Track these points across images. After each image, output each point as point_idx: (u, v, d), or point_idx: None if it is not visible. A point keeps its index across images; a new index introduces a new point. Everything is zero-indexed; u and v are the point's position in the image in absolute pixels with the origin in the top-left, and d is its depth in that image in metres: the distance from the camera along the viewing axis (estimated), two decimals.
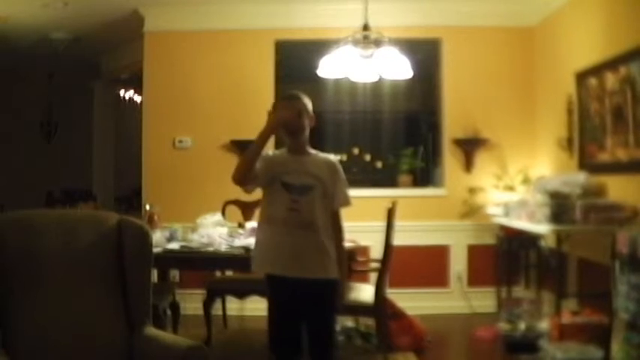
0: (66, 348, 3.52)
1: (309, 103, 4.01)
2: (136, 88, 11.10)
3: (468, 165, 7.96)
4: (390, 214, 5.47)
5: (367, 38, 6.13)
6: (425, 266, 7.93)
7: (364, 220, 7.23)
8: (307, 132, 4.00)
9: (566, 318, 5.72)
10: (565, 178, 6.37)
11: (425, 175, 8.92)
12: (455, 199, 7.90)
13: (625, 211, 5.55)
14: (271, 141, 4.93)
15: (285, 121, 3.91)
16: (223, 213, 6.71)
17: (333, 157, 4.11)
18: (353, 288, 5.80)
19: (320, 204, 3.91)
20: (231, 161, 7.78)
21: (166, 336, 3.98)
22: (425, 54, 8.20)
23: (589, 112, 6.46)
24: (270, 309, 4.06)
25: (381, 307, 5.54)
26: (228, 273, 6.81)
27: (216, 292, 6.42)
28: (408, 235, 7.23)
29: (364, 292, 5.69)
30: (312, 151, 4.04)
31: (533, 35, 7.97)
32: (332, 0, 7.74)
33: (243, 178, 3.90)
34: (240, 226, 6.43)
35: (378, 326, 5.76)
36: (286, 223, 3.85)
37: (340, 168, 4.05)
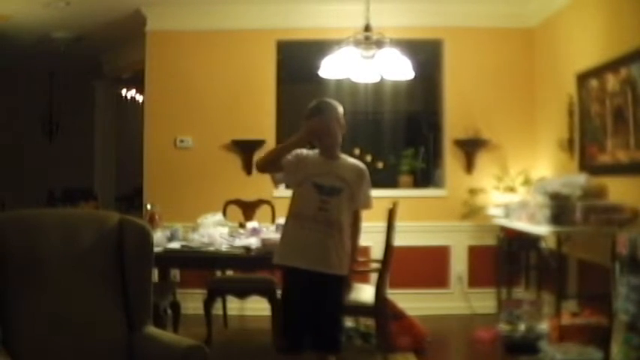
0: (66, 347, 3.53)
1: (340, 111, 4.29)
2: (138, 88, 11.12)
3: (469, 166, 7.97)
4: (391, 215, 5.47)
5: (369, 39, 6.13)
6: (425, 267, 7.93)
7: (365, 220, 7.20)
8: (339, 139, 4.28)
9: (566, 319, 5.73)
10: (565, 179, 6.37)
11: (426, 176, 8.92)
12: (455, 200, 7.90)
13: (625, 213, 5.56)
14: None
15: (316, 135, 4.21)
16: (224, 213, 6.72)
17: (362, 164, 4.40)
18: (354, 288, 5.81)
19: (346, 206, 4.22)
20: (233, 161, 7.85)
21: (167, 335, 3.98)
22: (426, 55, 8.20)
23: (590, 114, 6.46)
24: (286, 299, 4.33)
25: (381, 307, 5.54)
26: (229, 273, 6.82)
27: (216, 291, 6.43)
28: (409, 235, 7.24)
29: (365, 293, 5.69)
30: (343, 156, 4.32)
31: (534, 36, 7.98)
32: (333, 0, 7.75)
33: (267, 166, 4.31)
34: (241, 225, 6.44)
35: (378, 327, 5.76)
36: (316, 221, 4.11)
37: (367, 174, 4.36)
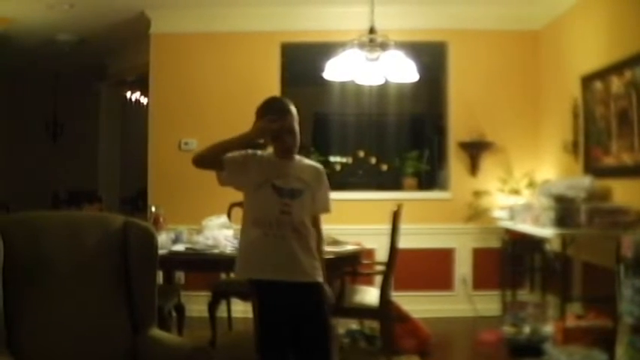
0: (71, 349, 3.54)
1: (294, 108, 4.02)
2: (142, 90, 11.11)
3: (474, 168, 7.96)
4: (395, 217, 5.47)
5: (373, 41, 6.13)
6: (430, 269, 7.92)
7: (369, 222, 7.26)
8: (299, 140, 4.00)
9: (571, 322, 5.72)
10: (570, 181, 6.37)
11: (430, 178, 8.92)
12: (460, 203, 7.89)
13: (630, 215, 5.55)
14: None
15: (274, 134, 3.95)
16: (229, 215, 6.71)
17: (319, 165, 4.12)
18: (357, 291, 5.81)
19: (308, 208, 3.91)
20: None
21: (171, 337, 3.99)
22: (431, 57, 8.20)
23: (594, 116, 6.46)
24: (259, 315, 3.91)
25: (385, 309, 5.54)
26: (233, 275, 6.81)
27: (221, 294, 6.43)
28: (413, 238, 7.23)
29: (369, 295, 5.69)
30: (297, 157, 4.02)
31: (539, 39, 7.97)
32: (338, 3, 7.75)
33: (204, 162, 3.98)
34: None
35: (382, 329, 5.74)
36: (279, 226, 3.80)
37: (325, 174, 4.06)
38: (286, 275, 3.82)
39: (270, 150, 4.05)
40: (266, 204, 3.84)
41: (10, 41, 9.06)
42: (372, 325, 6.32)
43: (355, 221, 7.22)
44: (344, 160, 10.28)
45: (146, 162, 8.23)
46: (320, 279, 3.92)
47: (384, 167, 9.28)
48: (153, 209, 6.37)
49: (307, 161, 4.08)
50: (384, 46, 6.14)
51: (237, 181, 3.96)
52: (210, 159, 3.95)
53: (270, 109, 4.00)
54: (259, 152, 4.03)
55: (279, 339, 3.86)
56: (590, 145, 6.59)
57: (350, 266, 5.67)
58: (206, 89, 8.11)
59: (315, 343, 3.89)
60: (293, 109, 4.00)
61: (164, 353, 3.63)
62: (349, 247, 5.45)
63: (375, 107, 10.12)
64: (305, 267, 3.85)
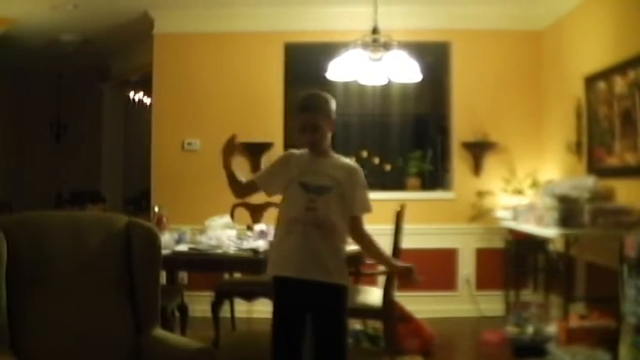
0: (74, 349, 3.54)
1: (330, 106, 3.95)
2: (146, 90, 11.13)
3: (477, 168, 7.96)
4: (399, 217, 5.47)
5: (376, 41, 6.13)
6: (433, 269, 7.88)
7: (372, 223, 7.18)
8: (327, 137, 3.92)
9: (574, 322, 5.72)
10: (573, 182, 6.37)
11: (433, 179, 8.91)
12: (463, 203, 7.89)
13: (633, 216, 5.55)
14: None
15: (230, 151, 4.11)
16: (232, 215, 6.72)
17: (355, 164, 4.04)
18: (361, 291, 5.81)
19: (336, 206, 3.82)
20: (240, 163, 7.80)
21: (174, 338, 3.98)
22: (434, 57, 8.20)
23: (598, 116, 6.46)
24: (276, 312, 3.88)
25: (389, 310, 5.53)
26: (237, 275, 6.81)
27: (224, 294, 6.43)
28: (417, 238, 7.21)
29: (372, 295, 5.69)
30: (334, 155, 3.96)
31: (542, 39, 7.97)
32: (341, 3, 7.75)
33: (238, 194, 4.18)
34: (249, 228, 6.43)
35: (386, 329, 5.74)
36: (304, 223, 3.74)
37: (360, 173, 3.97)
38: (309, 274, 3.76)
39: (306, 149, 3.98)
40: (293, 200, 3.83)
41: (14, 42, 9.07)
42: (376, 325, 6.32)
43: None
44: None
45: (149, 162, 8.24)
46: (343, 281, 3.85)
47: (388, 167, 9.26)
48: (156, 209, 6.38)
49: (343, 160, 4.00)
50: (387, 46, 6.14)
51: (276, 188, 4.00)
52: (237, 193, 4.15)
53: (299, 105, 3.94)
54: (294, 151, 4.00)
55: (291, 336, 3.82)
56: (593, 145, 6.58)
57: (353, 266, 5.65)
58: (209, 89, 8.12)
59: (330, 345, 3.82)
60: (324, 105, 3.92)
61: (167, 353, 3.62)
62: (352, 248, 5.44)
63: (378, 107, 10.12)
64: (328, 266, 3.77)
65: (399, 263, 4.07)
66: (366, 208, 3.98)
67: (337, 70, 6.32)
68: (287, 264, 3.79)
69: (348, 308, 3.92)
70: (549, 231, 6.04)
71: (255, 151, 7.85)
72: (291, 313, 3.82)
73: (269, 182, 3.97)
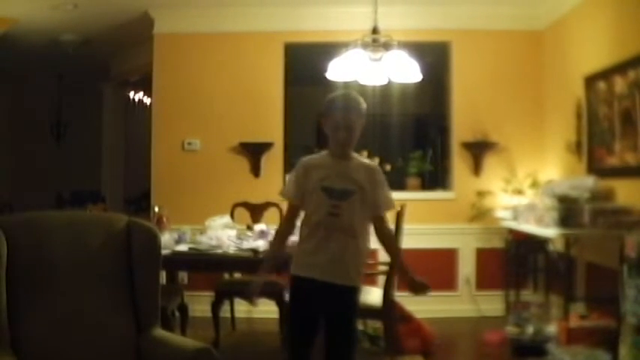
0: (74, 349, 3.54)
1: (364, 107, 3.95)
2: (146, 90, 11.13)
3: (477, 168, 7.96)
4: (399, 217, 5.46)
5: (376, 41, 6.13)
6: (433, 269, 7.84)
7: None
8: (356, 137, 3.91)
9: (574, 322, 5.72)
10: (573, 182, 6.37)
11: (433, 179, 8.91)
12: (463, 203, 7.89)
13: (633, 216, 5.55)
14: None
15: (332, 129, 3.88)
16: (232, 215, 6.72)
17: (374, 164, 4.10)
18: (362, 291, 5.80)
19: (359, 210, 3.84)
20: (240, 163, 7.87)
21: (174, 338, 3.99)
22: (434, 57, 8.20)
23: (598, 116, 6.45)
24: (293, 311, 4.00)
25: (389, 310, 5.54)
26: (237, 275, 6.81)
27: (224, 294, 6.43)
28: (417, 238, 7.22)
29: (372, 295, 5.69)
30: (354, 155, 3.97)
31: (543, 39, 7.97)
32: (341, 3, 7.75)
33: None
34: (249, 228, 6.43)
35: (386, 329, 5.75)
36: (327, 227, 3.79)
37: (380, 172, 3.98)
38: (328, 276, 3.81)
39: (323, 152, 4.01)
40: (316, 206, 3.84)
41: (14, 42, 9.07)
42: (376, 325, 6.31)
43: None
44: None
45: (149, 162, 8.24)
46: (359, 283, 3.93)
47: (388, 167, 9.23)
48: (156, 209, 6.39)
49: (363, 160, 4.03)
50: (387, 46, 6.14)
51: (300, 199, 3.96)
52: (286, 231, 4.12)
53: (333, 104, 3.92)
54: (309, 158, 4.02)
55: (308, 337, 3.89)
56: (593, 145, 6.58)
57: None
58: (209, 89, 8.11)
59: (341, 344, 3.89)
60: (359, 106, 3.92)
61: (167, 353, 3.63)
62: None
63: (378, 107, 10.06)
64: (349, 270, 3.85)
65: (417, 277, 4.01)
66: (389, 206, 4.00)
67: (337, 70, 6.32)
68: (308, 266, 3.86)
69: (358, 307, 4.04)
70: (549, 231, 6.04)
71: (255, 151, 7.85)
72: (306, 313, 3.89)
73: (299, 195, 3.93)
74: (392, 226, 5.43)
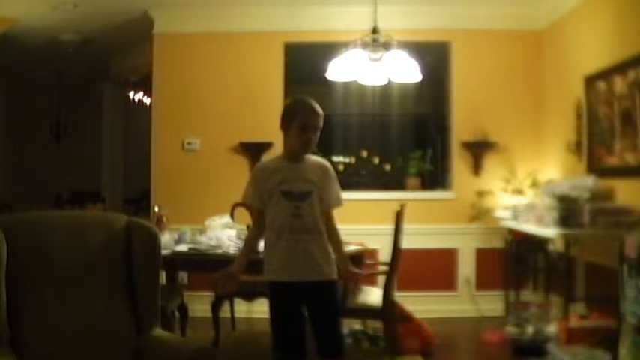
0: (74, 349, 3.53)
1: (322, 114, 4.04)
2: (146, 90, 11.13)
3: (477, 168, 7.96)
4: (399, 217, 5.47)
5: (376, 41, 6.13)
6: (433, 269, 7.92)
7: (372, 222, 7.25)
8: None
9: (574, 322, 5.72)
10: (573, 181, 6.36)
11: (433, 178, 8.90)
12: (463, 203, 7.89)
13: (633, 215, 5.55)
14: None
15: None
16: (232, 215, 6.71)
17: (325, 161, 4.17)
18: (361, 291, 5.80)
19: (318, 207, 3.96)
20: (240, 163, 7.86)
21: (174, 338, 4.00)
22: (434, 57, 8.21)
23: (597, 116, 6.46)
24: (276, 315, 4.04)
25: (389, 310, 5.54)
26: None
27: (224, 294, 6.43)
28: (417, 238, 7.23)
29: (372, 295, 5.69)
30: (307, 156, 4.06)
31: (542, 39, 7.97)
32: (341, 3, 7.74)
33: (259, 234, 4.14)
34: (249, 228, 6.42)
35: (386, 329, 5.75)
36: (292, 230, 3.89)
37: (331, 169, 4.10)
38: (302, 275, 3.93)
39: (276, 155, 4.15)
40: (278, 210, 3.93)
41: (14, 42, 9.07)
42: (376, 325, 6.31)
43: (358, 221, 7.19)
44: (347, 160, 10.27)
45: (149, 162, 8.24)
46: (335, 276, 4.03)
47: (387, 167, 9.28)
48: (156, 209, 6.39)
49: (313, 159, 4.10)
50: (387, 46, 6.14)
51: (262, 207, 4.03)
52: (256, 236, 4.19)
53: (305, 107, 4.04)
54: (263, 163, 4.22)
55: (298, 338, 3.99)
56: (593, 145, 6.58)
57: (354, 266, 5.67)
58: (209, 89, 8.11)
59: (329, 337, 4.01)
60: (320, 110, 4.03)
61: (167, 353, 3.63)
62: (352, 247, 5.45)
63: (378, 107, 10.11)
64: (321, 266, 3.96)
65: (353, 268, 4.25)
66: (338, 202, 4.11)
67: (337, 70, 6.32)
68: (283, 269, 3.95)
69: (339, 298, 4.19)
70: (549, 231, 6.04)
71: (255, 151, 7.84)
72: (287, 312, 4.00)
73: (262, 200, 4.01)
74: (392, 226, 5.47)
